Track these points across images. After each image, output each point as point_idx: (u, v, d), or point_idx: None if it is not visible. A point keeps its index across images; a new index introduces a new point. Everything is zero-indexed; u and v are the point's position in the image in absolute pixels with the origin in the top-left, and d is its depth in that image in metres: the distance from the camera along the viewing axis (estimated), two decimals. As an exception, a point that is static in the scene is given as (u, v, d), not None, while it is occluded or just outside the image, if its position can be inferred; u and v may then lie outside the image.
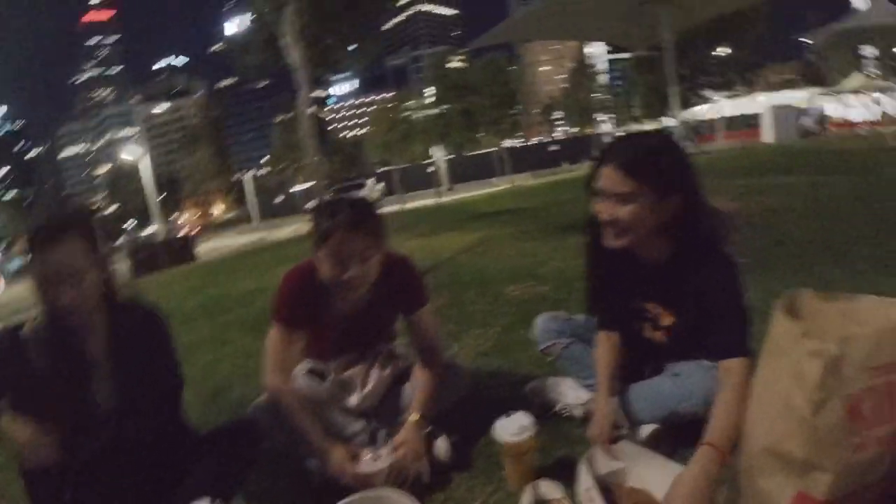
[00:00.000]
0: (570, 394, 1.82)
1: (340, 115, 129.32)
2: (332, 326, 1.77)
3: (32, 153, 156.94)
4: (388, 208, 20.33)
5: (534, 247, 5.45)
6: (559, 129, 62.49)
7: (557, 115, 52.11)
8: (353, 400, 1.77)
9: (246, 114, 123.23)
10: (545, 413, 1.82)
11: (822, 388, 0.96)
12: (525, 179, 23.90)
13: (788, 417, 1.02)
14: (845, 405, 0.96)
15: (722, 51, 23.30)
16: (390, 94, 28.06)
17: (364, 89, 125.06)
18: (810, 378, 0.97)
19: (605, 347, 1.65)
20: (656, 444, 1.50)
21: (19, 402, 1.49)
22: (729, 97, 24.99)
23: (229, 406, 2.52)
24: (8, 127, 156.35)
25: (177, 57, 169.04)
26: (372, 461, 1.53)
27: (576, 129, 48.60)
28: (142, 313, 1.59)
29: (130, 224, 55.29)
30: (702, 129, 24.98)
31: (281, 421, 1.63)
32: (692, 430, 1.43)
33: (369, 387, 1.80)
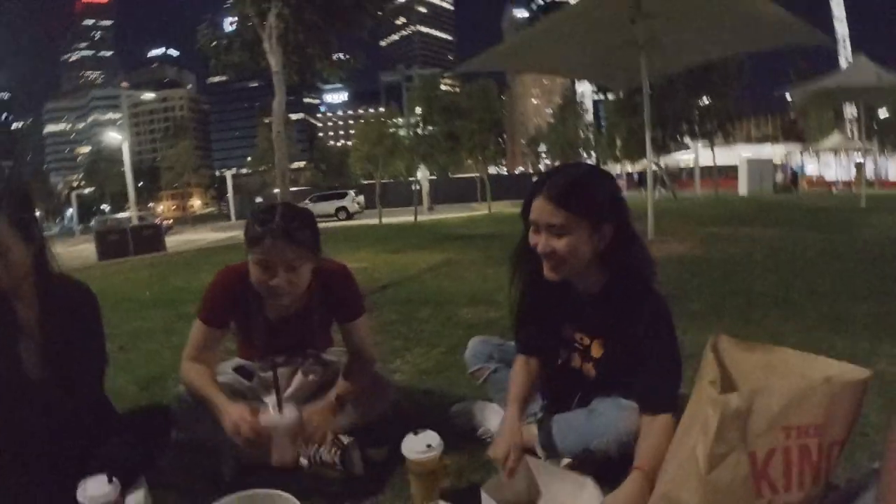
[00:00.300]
0: (492, 419, 1.82)
1: (330, 124, 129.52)
2: (260, 329, 1.77)
3: (16, 125, 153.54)
4: (365, 221, 20.45)
5: (497, 273, 5.47)
6: (542, 161, 63.45)
7: (542, 148, 52.98)
8: (272, 401, 1.73)
9: (233, 112, 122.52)
10: (469, 435, 1.82)
11: (720, 442, 0.91)
12: (504, 207, 24.14)
13: (688, 467, 0.97)
14: (748, 463, 0.90)
15: (704, 100, 23.91)
16: (380, 109, 28.12)
17: (356, 101, 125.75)
18: (709, 428, 0.92)
19: (520, 370, 1.65)
20: None
21: None
22: (707, 146, 25.65)
23: (163, 395, 2.45)
24: None
25: (168, 49, 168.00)
26: (275, 414, 1.50)
27: (558, 163, 49.45)
28: (73, 288, 1.60)
29: (105, 207, 53.99)
30: (679, 176, 25.52)
31: (195, 411, 1.62)
32: (607, 468, 1.46)
33: (291, 389, 1.78)
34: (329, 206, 27.89)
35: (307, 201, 28.97)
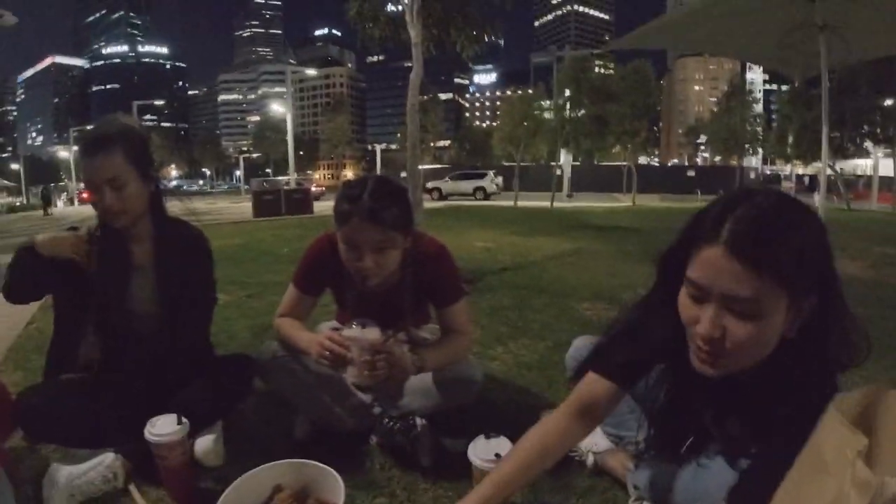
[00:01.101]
0: (586, 437, 1.58)
1: (478, 104, 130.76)
2: (352, 300, 1.72)
3: (192, 92, 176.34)
4: (500, 202, 20.34)
5: (627, 269, 5.08)
6: (700, 154, 58.45)
7: (702, 139, 48.62)
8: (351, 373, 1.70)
9: (388, 90, 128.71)
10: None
11: None
12: (651, 200, 22.64)
13: None
14: None
15: (889, 100, 20.19)
16: (528, 91, 27.52)
17: (504, 82, 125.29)
18: None
19: (555, 418, 1.18)
20: None
21: (68, 301, 1.64)
22: (889, 154, 21.75)
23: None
24: (170, 65, 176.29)
25: (332, 29, 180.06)
26: (358, 329, 1.45)
27: (718, 158, 45.23)
28: (187, 231, 1.70)
29: (269, 171, 60.05)
30: (856, 184, 21.93)
31: (283, 367, 1.63)
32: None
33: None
34: (467, 186, 28.20)
35: (447, 179, 29.65)
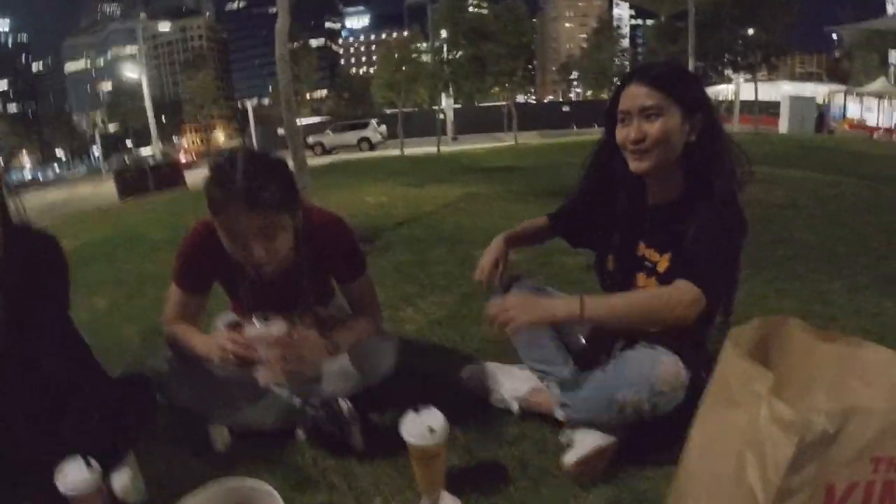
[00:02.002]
0: (507, 384, 1.63)
1: (353, 50, 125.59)
2: (245, 291, 1.58)
3: (36, 67, 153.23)
4: (387, 152, 20.01)
5: (520, 209, 5.20)
6: (574, 90, 60.91)
7: (574, 76, 50.59)
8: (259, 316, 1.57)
9: (252, 39, 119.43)
10: (481, 403, 1.64)
11: (791, 473, 0.70)
12: (531, 138, 23.32)
13: (735, 494, 0.76)
14: (823, 499, 0.70)
15: (749, 32, 22.22)
16: (403, 34, 26.63)
17: (378, 25, 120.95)
18: (777, 456, 0.71)
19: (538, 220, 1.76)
20: (596, 461, 1.32)
21: None
22: (749, 80, 24.06)
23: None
24: (12, 40, 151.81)
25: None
26: (261, 325, 1.34)
27: (590, 93, 47.42)
28: (36, 237, 1.42)
29: (129, 143, 54.36)
30: (718, 110, 23.95)
31: (182, 375, 1.48)
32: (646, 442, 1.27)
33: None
34: (351, 137, 27.32)
35: (328, 132, 28.53)
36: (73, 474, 1.18)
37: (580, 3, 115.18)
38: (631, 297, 1.33)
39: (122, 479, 1.36)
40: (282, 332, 1.34)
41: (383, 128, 27.97)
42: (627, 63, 38.19)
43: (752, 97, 24.03)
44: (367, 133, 27.30)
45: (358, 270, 1.61)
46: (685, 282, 1.20)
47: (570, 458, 1.32)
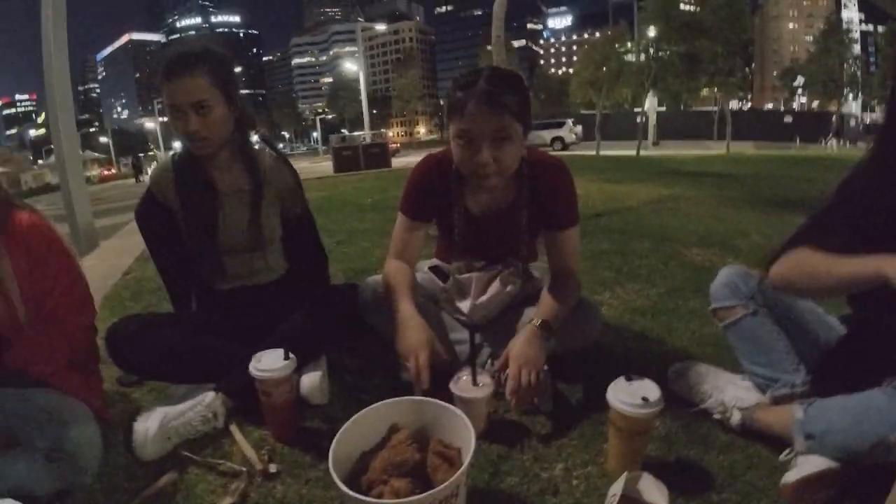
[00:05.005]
0: (729, 391, 1.34)
1: (553, 51, 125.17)
2: (461, 224, 1.56)
3: (267, 59, 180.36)
4: (581, 151, 19.54)
5: (735, 214, 4.64)
6: (798, 99, 53.45)
7: (798, 82, 44.20)
8: (465, 306, 1.55)
9: (458, 41, 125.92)
10: (687, 407, 1.41)
11: None
12: (745, 148, 20.93)
13: None
14: None
15: None
16: (607, 32, 25.55)
17: (580, 25, 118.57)
18: None
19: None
20: (819, 488, 1.05)
21: (161, 246, 1.62)
22: None
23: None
24: (244, 33, 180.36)
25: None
26: (468, 383, 1.27)
27: (816, 103, 41.19)
28: (273, 157, 1.63)
29: (344, 131, 61.39)
30: None
31: (380, 308, 1.50)
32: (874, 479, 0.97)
33: (485, 297, 1.55)
34: (546, 135, 27.25)
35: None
36: (270, 361, 1.27)
37: (805, 2, 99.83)
38: None
39: (311, 380, 1.45)
40: (488, 392, 1.27)
41: (579, 128, 27.36)
42: (859, 71, 32.28)
43: None
44: (562, 132, 26.92)
45: (573, 219, 1.53)
46: None
47: (790, 476, 1.07)
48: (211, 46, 1.46)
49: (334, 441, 0.94)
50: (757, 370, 1.31)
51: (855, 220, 1.06)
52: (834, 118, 30.98)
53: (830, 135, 27.10)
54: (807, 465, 1.07)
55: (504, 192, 1.52)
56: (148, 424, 1.27)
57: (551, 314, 1.40)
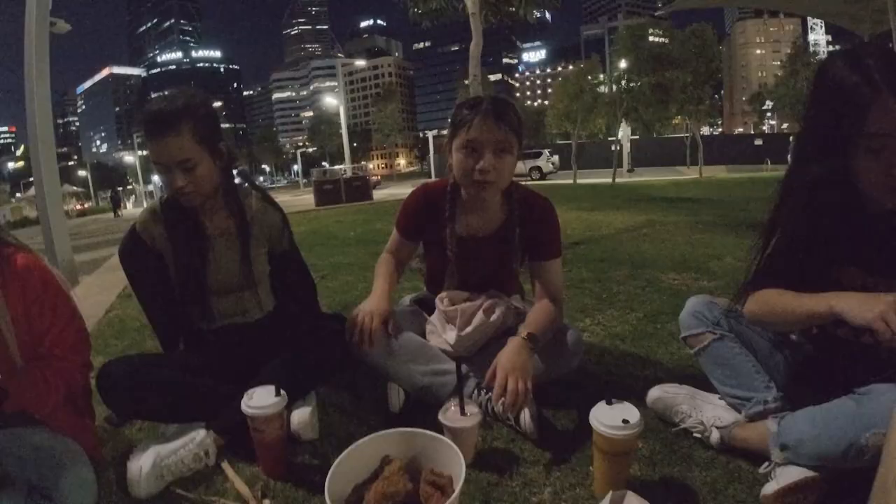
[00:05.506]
0: (708, 411, 1.40)
1: (528, 83, 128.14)
2: (451, 244, 1.67)
3: (247, 93, 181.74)
4: (558, 181, 19.91)
5: (709, 239, 4.77)
6: (767, 122, 55.26)
7: (767, 106, 45.71)
8: (451, 337, 1.60)
9: (436, 76, 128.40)
10: (667, 427, 1.47)
11: None
12: (717, 171, 21.50)
13: None
14: None
15: None
16: (580, 65, 26.47)
17: (553, 59, 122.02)
18: None
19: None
20: (799, 496, 1.10)
21: (147, 287, 1.63)
22: None
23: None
24: (224, 68, 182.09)
25: (377, 20, 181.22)
26: (456, 413, 1.31)
27: (786, 125, 42.67)
28: (259, 198, 1.66)
29: (325, 164, 61.53)
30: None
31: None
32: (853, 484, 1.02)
33: (469, 328, 1.61)
34: (522, 166, 27.76)
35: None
36: (261, 398, 1.29)
37: (772, 29, 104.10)
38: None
39: (301, 415, 1.48)
40: (476, 423, 1.31)
41: (555, 158, 27.94)
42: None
43: None
44: (539, 162, 27.48)
45: (556, 250, 1.67)
46: None
47: (769, 487, 1.13)
48: (193, 100, 1.46)
49: (329, 474, 0.97)
50: (729, 391, 1.37)
51: (794, 256, 1.18)
52: (791, 138, 31.98)
53: (789, 156, 27.95)
54: (785, 475, 1.13)
55: (494, 215, 1.66)
56: (141, 463, 1.28)
57: (537, 327, 1.49)
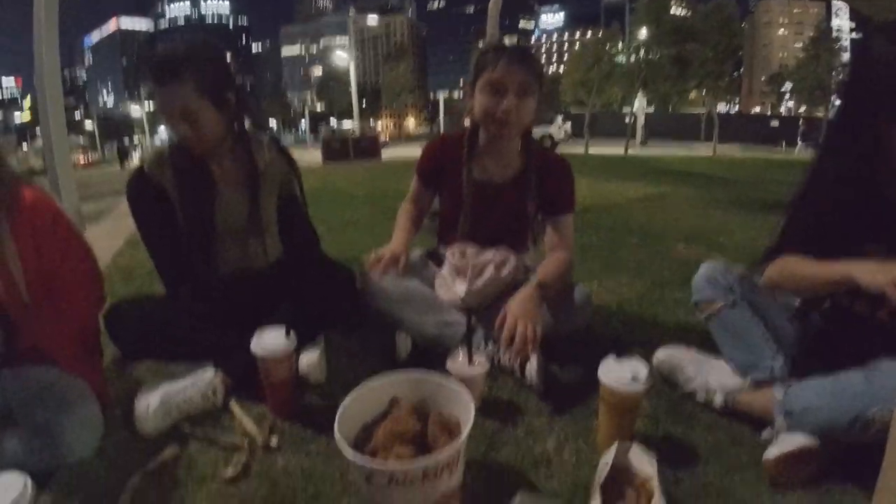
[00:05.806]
0: (713, 374, 1.40)
1: (544, 49, 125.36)
2: (467, 190, 1.69)
3: (255, 47, 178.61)
4: (570, 149, 19.71)
5: (721, 215, 4.71)
6: (785, 103, 54.13)
7: (786, 87, 44.59)
8: (461, 290, 1.60)
9: (448, 38, 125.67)
10: (672, 389, 1.48)
11: None
12: (731, 150, 21.17)
13: None
14: None
15: None
16: (598, 33, 25.80)
17: (571, 25, 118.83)
18: None
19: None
20: (800, 464, 1.11)
21: (154, 229, 1.62)
22: None
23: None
24: (233, 21, 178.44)
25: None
26: (464, 363, 1.32)
27: (803, 108, 41.80)
28: (274, 149, 1.65)
29: (332, 122, 60.82)
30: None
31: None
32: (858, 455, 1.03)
33: (479, 282, 1.60)
34: (536, 132, 27.35)
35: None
36: (271, 339, 1.30)
37: (796, 10, 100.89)
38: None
39: (310, 358, 1.49)
40: (483, 372, 1.33)
41: (568, 125, 27.49)
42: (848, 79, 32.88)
43: None
44: (551, 129, 27.04)
45: (571, 205, 1.72)
46: None
47: (771, 451, 1.13)
48: (198, 49, 1.43)
49: (338, 412, 0.98)
50: (737, 357, 1.37)
51: (821, 227, 1.18)
52: (801, 122, 31.49)
53: (798, 139, 27.58)
54: (788, 441, 1.13)
55: (512, 161, 1.70)
56: (149, 400, 1.29)
57: (548, 277, 1.52)
